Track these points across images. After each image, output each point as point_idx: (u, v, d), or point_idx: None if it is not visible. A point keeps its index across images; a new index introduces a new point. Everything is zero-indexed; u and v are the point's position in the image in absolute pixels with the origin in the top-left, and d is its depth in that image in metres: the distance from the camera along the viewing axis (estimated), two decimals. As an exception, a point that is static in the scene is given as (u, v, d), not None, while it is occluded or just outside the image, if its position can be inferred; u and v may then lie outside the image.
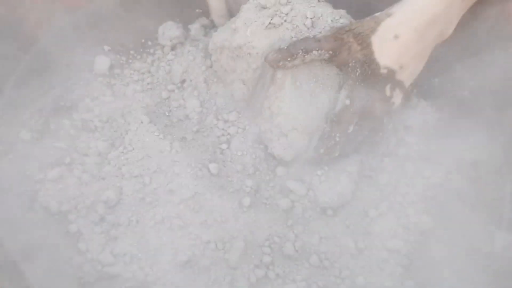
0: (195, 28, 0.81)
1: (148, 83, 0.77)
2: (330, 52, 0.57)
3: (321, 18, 0.61)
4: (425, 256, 0.65)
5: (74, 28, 0.80)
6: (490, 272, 0.65)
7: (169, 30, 0.79)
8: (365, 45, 0.57)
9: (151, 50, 0.81)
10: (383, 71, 0.56)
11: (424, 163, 0.72)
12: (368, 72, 0.57)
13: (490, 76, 0.75)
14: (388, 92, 0.58)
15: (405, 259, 0.65)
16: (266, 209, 0.65)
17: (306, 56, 0.57)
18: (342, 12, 0.64)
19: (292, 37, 0.60)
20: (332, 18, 0.61)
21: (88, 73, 0.78)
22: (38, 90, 0.75)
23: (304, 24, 0.60)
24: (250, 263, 0.62)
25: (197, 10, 0.84)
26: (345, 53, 0.58)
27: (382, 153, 0.70)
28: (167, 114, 0.75)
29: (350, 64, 0.58)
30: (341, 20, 0.61)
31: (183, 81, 0.76)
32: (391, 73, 0.56)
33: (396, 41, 0.56)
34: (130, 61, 0.80)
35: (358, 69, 0.57)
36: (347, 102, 0.59)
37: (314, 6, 0.62)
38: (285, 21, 0.61)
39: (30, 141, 0.71)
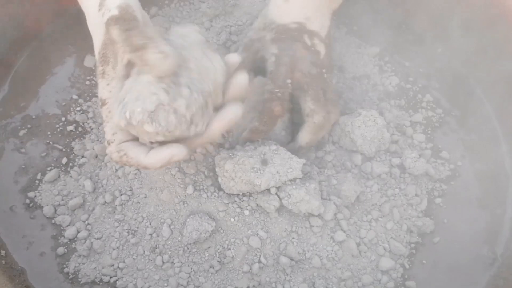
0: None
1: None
2: None
3: None
4: (426, 257, 0.65)
5: (65, 26, 0.79)
6: (491, 273, 0.65)
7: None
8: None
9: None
10: (293, 25, 0.63)
11: (429, 162, 0.71)
12: (280, 30, 0.64)
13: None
14: (308, 41, 0.63)
15: (407, 260, 0.65)
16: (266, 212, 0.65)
17: None
18: None
19: None
20: None
21: (79, 72, 0.77)
22: (34, 90, 0.74)
23: None
24: (252, 265, 0.61)
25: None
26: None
27: (383, 152, 0.70)
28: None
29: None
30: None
31: None
32: (301, 25, 0.63)
33: (287, 3, 0.65)
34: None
35: (272, 33, 0.64)
36: (273, 58, 0.62)
37: None
38: None
39: (27, 140, 0.70)
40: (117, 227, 0.64)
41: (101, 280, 0.62)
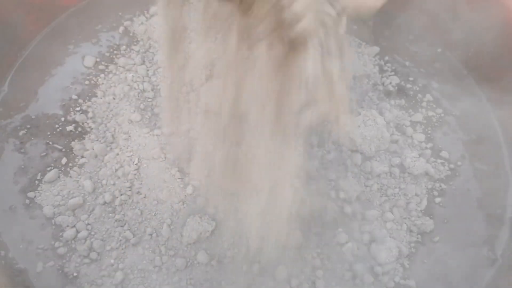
0: None
1: (133, 81, 0.76)
2: None
3: None
4: (426, 256, 0.65)
5: (66, 24, 0.79)
6: (491, 273, 0.65)
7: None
8: None
9: (136, 47, 0.80)
10: None
11: (429, 162, 0.71)
12: None
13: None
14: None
15: (406, 259, 0.64)
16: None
17: None
18: None
19: None
20: None
21: (78, 72, 0.77)
22: (34, 90, 0.74)
23: None
24: (253, 265, 0.61)
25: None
26: None
27: (383, 152, 0.70)
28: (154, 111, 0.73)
29: None
30: None
31: None
32: None
33: None
34: (115, 56, 0.79)
35: None
36: None
37: None
38: None
39: (27, 141, 0.70)
40: (117, 227, 0.64)
41: (101, 280, 0.62)
